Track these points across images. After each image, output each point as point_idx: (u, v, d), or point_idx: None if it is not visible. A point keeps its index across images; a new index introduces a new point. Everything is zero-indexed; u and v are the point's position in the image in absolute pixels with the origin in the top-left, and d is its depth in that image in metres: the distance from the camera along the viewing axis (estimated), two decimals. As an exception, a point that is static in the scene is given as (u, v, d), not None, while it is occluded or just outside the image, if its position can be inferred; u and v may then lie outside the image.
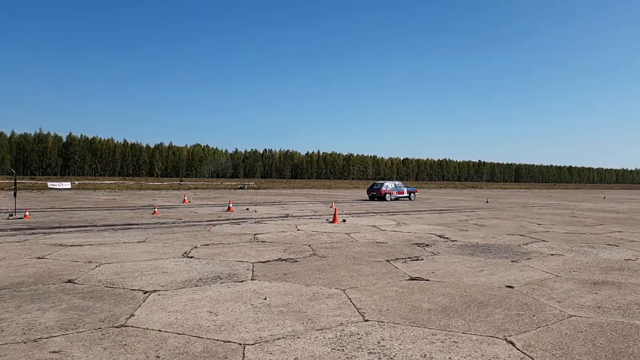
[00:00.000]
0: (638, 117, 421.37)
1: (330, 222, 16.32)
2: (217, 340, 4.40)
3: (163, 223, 15.55)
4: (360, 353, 4.11)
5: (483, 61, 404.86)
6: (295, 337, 4.51)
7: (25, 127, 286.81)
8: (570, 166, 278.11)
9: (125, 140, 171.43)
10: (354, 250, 10.15)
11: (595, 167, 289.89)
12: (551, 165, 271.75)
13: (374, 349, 4.21)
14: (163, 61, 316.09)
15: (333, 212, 18.56)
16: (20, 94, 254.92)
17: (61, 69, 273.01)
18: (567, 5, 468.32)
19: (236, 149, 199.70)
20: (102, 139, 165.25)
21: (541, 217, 20.41)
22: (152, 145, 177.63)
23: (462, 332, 4.70)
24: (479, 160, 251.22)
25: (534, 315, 5.33)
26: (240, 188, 65.58)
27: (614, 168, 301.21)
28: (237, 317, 5.14)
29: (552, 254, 9.88)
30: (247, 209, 22.77)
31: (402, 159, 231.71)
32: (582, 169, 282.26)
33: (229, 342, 4.35)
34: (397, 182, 36.12)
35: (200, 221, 16.41)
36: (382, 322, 5.02)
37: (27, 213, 17.24)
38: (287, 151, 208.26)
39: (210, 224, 15.32)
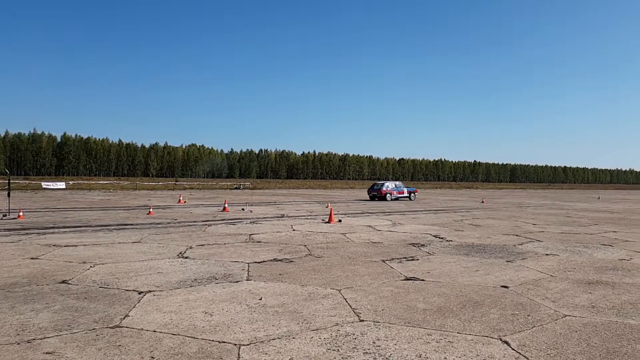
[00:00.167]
0: (632, 118, 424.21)
1: (326, 222, 16.32)
2: (212, 340, 4.38)
3: (158, 223, 15.50)
4: (356, 353, 4.10)
5: (479, 62, 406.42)
6: (290, 337, 4.50)
7: (19, 126, 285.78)
8: (565, 166, 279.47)
9: (120, 140, 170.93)
10: (350, 250, 10.15)
11: (590, 168, 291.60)
12: (546, 166, 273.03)
13: (369, 349, 4.21)
14: (158, 61, 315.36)
15: (329, 212, 18.56)
16: (14, 93, 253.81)
17: (56, 68, 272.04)
18: (563, 5, 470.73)
19: (232, 149, 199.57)
20: (97, 139, 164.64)
21: (536, 217, 20.49)
22: (147, 145, 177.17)
23: (458, 332, 4.70)
24: (475, 161, 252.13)
25: (528, 315, 5.34)
26: (236, 188, 65.48)
27: (609, 168, 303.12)
28: (233, 317, 5.13)
29: (547, 254, 9.92)
30: (243, 209, 22.74)
31: (397, 159, 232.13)
32: (577, 169, 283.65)
33: (224, 342, 4.34)
34: (397, 182, 36.24)
35: (195, 221, 16.37)
36: (378, 322, 5.02)
37: (20, 213, 17.14)
38: (283, 151, 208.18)
39: (206, 224, 15.29)
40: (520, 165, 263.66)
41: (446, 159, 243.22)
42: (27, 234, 12.29)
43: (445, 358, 4.02)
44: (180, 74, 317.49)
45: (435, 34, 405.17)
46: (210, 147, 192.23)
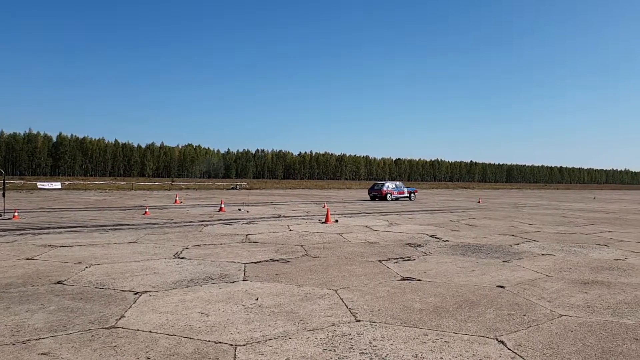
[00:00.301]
0: (628, 119, 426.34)
1: (323, 223, 16.32)
2: (208, 341, 4.37)
3: (154, 223, 15.47)
4: (352, 353, 4.10)
5: (476, 62, 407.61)
6: (286, 337, 4.50)
7: (15, 126, 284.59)
8: (561, 167, 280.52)
9: (116, 140, 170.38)
10: (346, 250, 10.15)
11: (585, 168, 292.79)
12: (542, 166, 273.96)
13: (365, 349, 4.21)
14: (154, 61, 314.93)
15: (325, 213, 18.56)
16: (9, 93, 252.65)
17: (51, 68, 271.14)
18: (560, 6, 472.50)
19: (228, 149, 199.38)
20: (93, 139, 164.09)
21: (532, 217, 20.55)
22: (143, 145, 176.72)
23: (454, 332, 4.71)
24: (471, 161, 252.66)
25: (524, 315, 5.36)
26: (233, 188, 65.40)
27: (604, 169, 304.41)
28: (229, 317, 5.12)
29: (542, 254, 9.95)
30: (239, 210, 22.71)
31: (394, 159, 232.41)
32: (573, 169, 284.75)
33: (220, 342, 4.33)
34: (397, 183, 36.29)
35: (191, 222, 16.33)
36: (374, 322, 5.02)
37: (16, 213, 17.06)
38: (280, 151, 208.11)
39: (202, 225, 15.26)
40: (517, 165, 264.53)
41: (443, 159, 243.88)
42: (22, 234, 12.24)
43: (442, 358, 4.02)
44: (176, 74, 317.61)
45: (432, 34, 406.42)
46: (206, 147, 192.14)
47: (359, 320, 5.07)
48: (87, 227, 14.20)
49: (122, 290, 6.27)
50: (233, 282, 6.86)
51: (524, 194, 63.16)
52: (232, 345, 4.27)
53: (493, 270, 8.08)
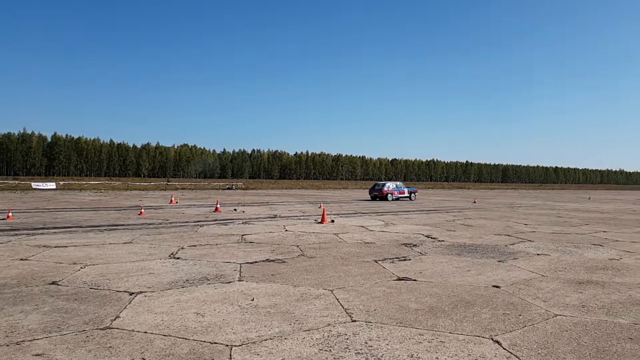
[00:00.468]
0: (622, 119, 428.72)
1: (319, 223, 16.31)
2: (204, 341, 4.36)
3: (150, 224, 15.42)
4: (348, 353, 4.10)
5: (472, 63, 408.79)
6: (282, 338, 4.49)
7: (9, 126, 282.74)
8: (556, 167, 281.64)
9: (111, 140, 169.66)
10: (342, 250, 10.15)
11: (580, 168, 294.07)
12: (538, 166, 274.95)
13: (361, 349, 4.21)
14: (151, 61, 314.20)
15: (321, 213, 18.55)
16: (4, 93, 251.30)
17: (46, 68, 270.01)
18: (560, 7, 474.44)
19: (224, 149, 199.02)
20: (88, 139, 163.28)
21: (528, 218, 20.62)
22: (139, 145, 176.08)
23: (449, 332, 4.72)
24: (467, 161, 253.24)
25: (520, 315, 5.37)
26: (228, 188, 65.30)
27: (599, 169, 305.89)
28: (224, 318, 5.11)
29: (538, 254, 9.98)
30: (235, 210, 22.68)
31: (390, 159, 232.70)
32: (568, 169, 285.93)
33: (215, 343, 4.32)
34: (398, 183, 36.38)
35: (187, 222, 16.29)
36: (370, 322, 5.02)
37: (10, 214, 16.96)
38: (276, 151, 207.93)
39: (198, 225, 15.22)
40: (512, 165, 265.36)
41: (439, 159, 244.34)
42: (16, 234, 12.17)
43: (437, 358, 4.03)
44: (172, 74, 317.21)
45: (428, 34, 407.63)
46: (202, 147, 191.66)
47: (354, 321, 5.07)
48: (82, 227, 14.14)
49: (117, 291, 6.25)
50: (229, 283, 6.84)
51: (520, 194, 63.37)
52: (227, 345, 4.26)
53: (489, 270, 8.10)
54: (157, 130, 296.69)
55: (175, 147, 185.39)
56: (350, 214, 21.48)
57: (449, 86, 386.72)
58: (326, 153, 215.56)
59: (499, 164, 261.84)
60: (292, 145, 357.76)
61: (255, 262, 8.60)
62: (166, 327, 4.74)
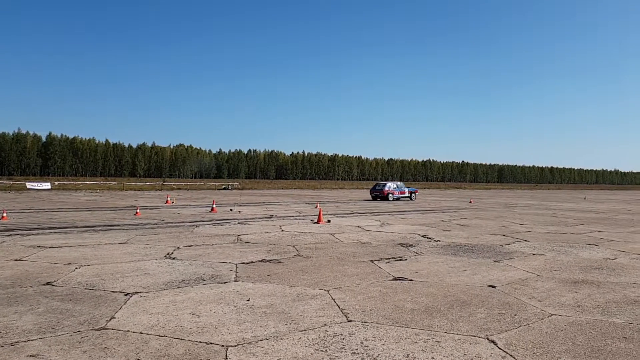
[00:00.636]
0: (617, 119, 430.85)
1: (315, 223, 16.31)
2: (200, 342, 4.35)
3: (145, 224, 15.37)
4: (344, 353, 4.10)
5: (466, 62, 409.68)
6: (278, 338, 4.49)
7: (3, 126, 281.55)
8: (552, 167, 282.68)
9: (107, 140, 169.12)
10: (339, 250, 10.15)
11: (576, 168, 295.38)
12: (533, 166, 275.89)
13: (357, 349, 4.21)
14: (147, 62, 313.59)
15: (318, 213, 18.55)
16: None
17: (40, 68, 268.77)
18: (554, 6, 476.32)
19: (220, 149, 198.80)
20: (83, 139, 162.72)
21: (523, 217, 20.68)
22: (134, 145, 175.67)
23: (445, 332, 4.72)
24: (463, 161, 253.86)
25: (515, 315, 5.38)
26: (224, 189, 65.18)
27: (594, 169, 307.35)
28: (220, 318, 5.09)
29: (533, 254, 10.01)
30: (231, 210, 22.64)
31: (386, 159, 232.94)
32: (564, 169, 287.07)
33: (211, 343, 4.31)
34: (398, 183, 36.48)
35: (183, 222, 16.25)
36: (366, 322, 5.02)
37: (4, 214, 16.87)
38: (272, 151, 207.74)
39: (194, 225, 15.19)
40: (508, 165, 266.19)
41: (434, 160, 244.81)
42: (10, 235, 12.10)
43: (433, 358, 4.03)
44: (169, 74, 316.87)
45: (426, 34, 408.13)
46: (198, 147, 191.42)
47: (350, 321, 5.07)
48: (77, 227, 14.08)
49: (113, 291, 6.22)
50: (225, 283, 6.83)
51: (515, 194, 63.57)
52: (223, 346, 4.25)
53: (484, 270, 8.12)
54: (153, 130, 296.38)
55: (171, 147, 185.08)
56: (347, 214, 21.49)
57: (445, 86, 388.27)
58: (322, 153, 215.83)
59: (494, 164, 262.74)
60: (288, 145, 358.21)
61: (252, 262, 8.59)
62: (162, 328, 4.73)
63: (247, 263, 8.48)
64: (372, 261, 8.86)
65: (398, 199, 34.95)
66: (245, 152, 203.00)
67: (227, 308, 5.50)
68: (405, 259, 9.13)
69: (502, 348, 4.29)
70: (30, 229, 13.45)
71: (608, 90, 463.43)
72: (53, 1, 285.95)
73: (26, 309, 5.35)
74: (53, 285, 6.55)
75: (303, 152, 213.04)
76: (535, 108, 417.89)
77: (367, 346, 4.29)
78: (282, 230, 13.93)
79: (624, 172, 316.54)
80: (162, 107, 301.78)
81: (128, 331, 4.61)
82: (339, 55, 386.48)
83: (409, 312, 5.41)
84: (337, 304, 5.73)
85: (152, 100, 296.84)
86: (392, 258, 9.25)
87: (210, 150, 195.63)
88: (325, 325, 4.90)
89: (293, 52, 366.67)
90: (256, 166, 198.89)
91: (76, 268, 7.78)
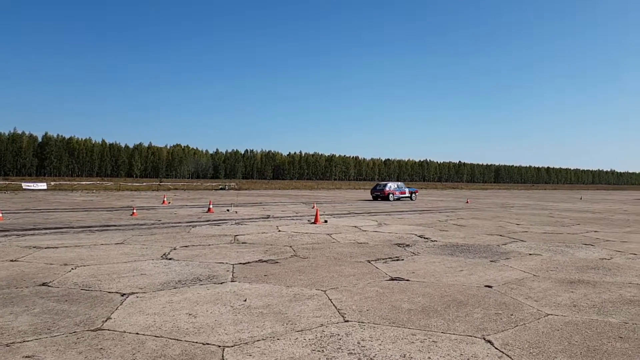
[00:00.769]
0: (614, 120, 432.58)
1: (312, 223, 16.31)
2: (196, 342, 4.34)
3: (142, 224, 15.33)
4: (340, 354, 4.10)
5: (464, 63, 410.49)
6: (275, 338, 4.48)
7: (2, 126, 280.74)
8: (548, 167, 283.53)
9: (103, 140, 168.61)
10: (335, 250, 10.15)
11: (572, 168, 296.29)
12: (530, 166, 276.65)
13: (354, 349, 4.21)
14: (143, 62, 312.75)
15: (315, 213, 18.54)
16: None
17: (36, 68, 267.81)
18: (549, 7, 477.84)
19: (217, 150, 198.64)
20: (80, 139, 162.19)
21: (520, 218, 20.73)
22: (131, 146, 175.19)
23: (442, 332, 4.73)
24: (459, 161, 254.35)
25: (511, 314, 5.40)
26: (221, 189, 65.09)
27: (590, 169, 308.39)
28: (217, 319, 5.09)
29: (530, 254, 10.04)
30: (228, 210, 22.61)
31: (383, 159, 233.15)
32: (560, 169, 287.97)
33: (207, 344, 4.30)
34: (399, 183, 36.65)
35: (179, 222, 16.22)
36: (363, 322, 5.02)
37: (0, 214, 16.80)
38: (269, 152, 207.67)
39: (190, 225, 15.16)
40: (505, 165, 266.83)
41: (431, 160, 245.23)
42: (6, 235, 12.05)
43: (429, 358, 4.04)
44: (166, 74, 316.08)
45: (419, 34, 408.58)
46: (195, 148, 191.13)
47: (347, 321, 5.07)
48: (73, 228, 14.03)
49: (109, 292, 6.20)
50: (221, 283, 6.82)
51: (512, 194, 63.72)
52: (220, 346, 4.25)
53: (481, 270, 8.14)
54: (149, 130, 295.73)
55: (168, 147, 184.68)
56: (344, 214, 21.49)
57: (443, 86, 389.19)
58: (319, 153, 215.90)
59: (491, 164, 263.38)
60: (285, 145, 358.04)
61: (248, 262, 8.58)
62: (158, 328, 4.72)
63: (243, 263, 8.47)
64: (369, 261, 8.87)
65: (399, 199, 35.08)
66: (243, 153, 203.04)
67: (223, 308, 5.49)
68: (402, 259, 9.13)
69: (498, 348, 4.29)
70: (26, 230, 13.39)
71: (604, 90, 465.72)
72: (53, 1, 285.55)
73: (22, 309, 5.33)
74: (49, 285, 6.53)
75: (300, 152, 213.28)
76: (532, 108, 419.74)
77: (363, 346, 4.29)
78: (279, 231, 13.92)
79: (620, 173, 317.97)
80: (159, 107, 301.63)
81: (124, 332, 4.60)
82: (339, 55, 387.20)
83: (406, 312, 5.42)
84: (333, 304, 5.73)
85: (149, 100, 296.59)
86: (389, 258, 9.26)
87: (207, 151, 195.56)
88: (322, 325, 4.90)
89: (293, 52, 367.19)
90: (253, 166, 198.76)
91: (72, 269, 7.75)
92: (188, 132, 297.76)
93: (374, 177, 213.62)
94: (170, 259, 8.85)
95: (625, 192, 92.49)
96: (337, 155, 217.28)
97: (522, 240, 12.37)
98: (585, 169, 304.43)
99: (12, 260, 8.43)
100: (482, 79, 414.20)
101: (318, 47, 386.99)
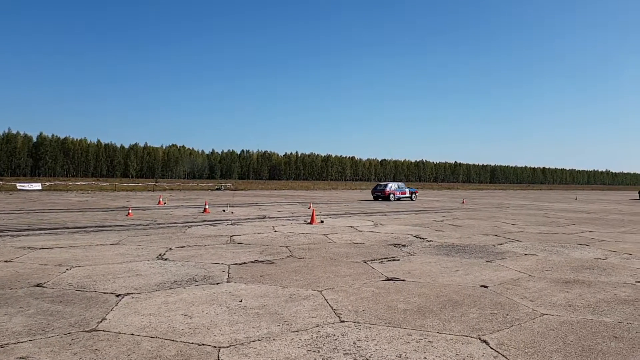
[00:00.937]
0: (609, 120, 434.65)
1: (308, 224, 16.30)
2: (192, 343, 4.33)
3: (137, 225, 15.28)
4: (336, 354, 4.10)
5: (460, 63, 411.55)
6: (270, 339, 4.47)
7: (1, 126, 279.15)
8: (544, 167, 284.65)
9: (98, 141, 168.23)
10: (331, 251, 10.14)
11: (567, 169, 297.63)
12: (525, 167, 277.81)
13: (349, 349, 4.21)
14: (140, 62, 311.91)
15: (311, 213, 18.54)
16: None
17: (32, 68, 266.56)
18: (546, 7, 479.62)
19: (213, 150, 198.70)
20: (75, 139, 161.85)
21: (515, 218, 20.79)
22: (126, 146, 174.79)
23: (437, 332, 4.73)
24: (455, 162, 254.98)
25: (507, 314, 5.41)
26: (217, 189, 64.98)
27: (586, 169, 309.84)
28: (212, 319, 5.07)
29: (525, 254, 10.07)
30: (224, 211, 22.57)
31: (380, 160, 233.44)
32: (555, 170, 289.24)
33: (203, 345, 4.29)
34: (399, 183, 36.79)
35: (175, 223, 16.18)
36: (358, 322, 5.02)
37: (-5, 215, 16.71)
38: (265, 152, 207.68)
39: (186, 226, 15.12)
40: (500, 166, 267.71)
41: (427, 160, 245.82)
42: (0, 236, 11.98)
43: (425, 358, 4.04)
44: (162, 74, 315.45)
45: (416, 34, 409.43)
46: (191, 148, 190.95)
47: (343, 321, 5.07)
48: (68, 228, 13.97)
49: (104, 293, 6.18)
50: (217, 284, 6.80)
51: (508, 195, 63.91)
52: (215, 347, 4.24)
53: (476, 270, 8.15)
54: (145, 130, 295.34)
55: (164, 147, 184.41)
56: (340, 214, 21.50)
57: (438, 87, 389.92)
58: (316, 154, 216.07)
59: (487, 165, 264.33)
60: (281, 145, 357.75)
61: (244, 263, 8.56)
62: (153, 329, 4.70)
63: (239, 264, 8.45)
64: (364, 262, 8.87)
65: (399, 199, 35.20)
66: (238, 153, 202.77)
67: (219, 309, 5.48)
68: (398, 260, 9.14)
69: (494, 348, 4.30)
70: (20, 230, 13.32)
71: (600, 90, 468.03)
72: (53, 1, 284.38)
73: (16, 310, 5.30)
74: (43, 286, 6.49)
75: (296, 152, 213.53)
76: (529, 109, 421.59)
77: (359, 347, 4.28)
78: (275, 231, 13.90)
79: (615, 173, 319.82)
80: (155, 108, 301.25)
81: (119, 333, 4.58)
82: (339, 55, 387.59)
83: (402, 313, 5.42)
84: (329, 305, 5.73)
85: (145, 101, 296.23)
86: (385, 258, 9.26)
87: (203, 151, 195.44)
88: (317, 325, 4.90)
89: (293, 52, 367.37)
90: (249, 167, 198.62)
91: (67, 269, 7.72)
92: (187, 133, 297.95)
93: (370, 177, 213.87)
94: (165, 259, 8.82)
95: (620, 193, 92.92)
96: (333, 156, 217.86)
97: (517, 241, 12.41)
98: (581, 170, 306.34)
99: (6, 261, 8.38)
100: (481, 79, 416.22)
101: (318, 47, 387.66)
